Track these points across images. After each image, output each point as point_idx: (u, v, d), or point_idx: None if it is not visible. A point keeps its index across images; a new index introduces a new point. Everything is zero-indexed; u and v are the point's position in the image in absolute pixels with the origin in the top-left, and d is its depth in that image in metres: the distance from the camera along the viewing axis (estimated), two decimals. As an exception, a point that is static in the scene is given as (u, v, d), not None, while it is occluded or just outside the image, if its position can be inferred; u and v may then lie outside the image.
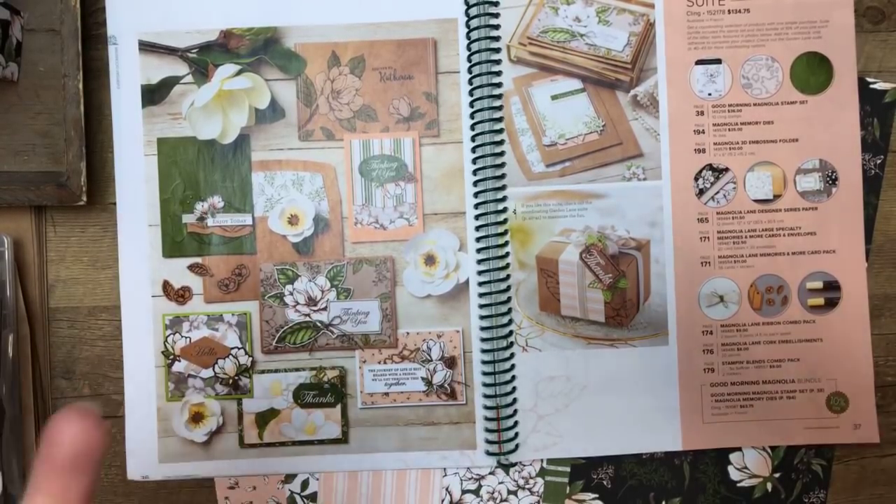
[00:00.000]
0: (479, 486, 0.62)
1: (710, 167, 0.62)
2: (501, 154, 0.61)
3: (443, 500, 0.62)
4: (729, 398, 0.61)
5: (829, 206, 0.62)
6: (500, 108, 0.61)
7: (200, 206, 0.61)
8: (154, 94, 0.61)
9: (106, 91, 0.61)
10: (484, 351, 0.61)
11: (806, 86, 0.62)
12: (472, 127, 0.61)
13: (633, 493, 0.62)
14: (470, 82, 0.61)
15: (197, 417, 0.61)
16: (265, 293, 0.61)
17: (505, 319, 0.61)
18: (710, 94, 0.61)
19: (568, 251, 0.61)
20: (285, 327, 0.61)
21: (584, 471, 0.62)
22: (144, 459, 0.61)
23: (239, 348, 0.61)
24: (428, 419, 0.61)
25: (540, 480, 0.62)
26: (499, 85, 0.61)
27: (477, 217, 0.61)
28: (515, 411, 0.61)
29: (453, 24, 0.61)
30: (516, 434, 0.61)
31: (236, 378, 0.61)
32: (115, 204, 0.61)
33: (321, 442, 0.61)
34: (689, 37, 0.61)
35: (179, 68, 0.61)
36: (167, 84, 0.61)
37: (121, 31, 0.61)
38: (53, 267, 0.62)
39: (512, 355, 0.61)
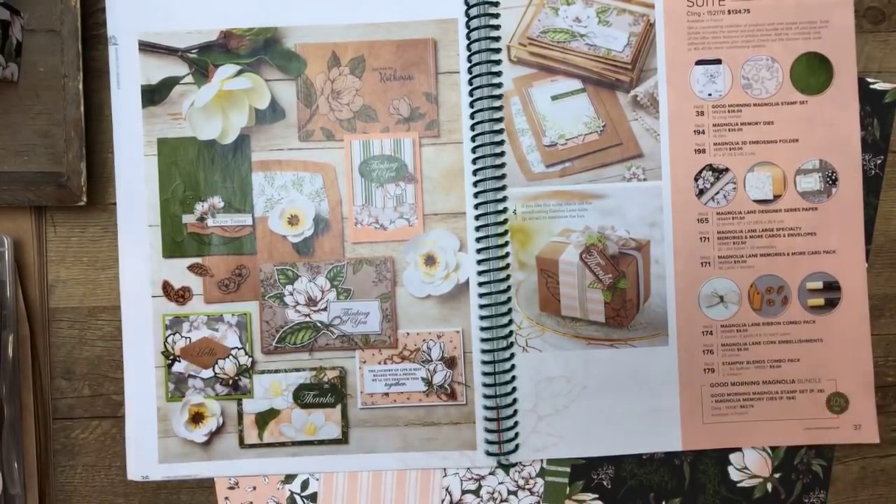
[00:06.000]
0: (480, 487, 0.62)
1: (710, 167, 0.62)
2: (501, 154, 0.61)
3: (443, 501, 0.62)
4: (729, 398, 0.61)
5: (829, 207, 0.62)
6: (500, 108, 0.61)
7: (200, 207, 0.61)
8: (154, 95, 0.61)
9: (106, 91, 0.61)
10: (484, 351, 0.61)
11: (806, 86, 0.62)
12: (472, 127, 0.61)
13: (633, 494, 0.62)
14: (470, 82, 0.61)
15: (197, 418, 0.61)
16: (265, 293, 0.61)
17: (505, 320, 0.61)
18: (710, 95, 0.61)
19: (568, 251, 0.61)
20: (285, 327, 0.61)
21: (584, 471, 0.62)
22: (144, 460, 0.61)
23: (239, 349, 0.61)
24: (428, 419, 0.61)
25: (540, 481, 0.62)
26: (499, 85, 0.61)
27: (477, 217, 0.61)
28: (515, 412, 0.61)
29: (453, 25, 0.61)
30: (516, 434, 0.61)
31: (236, 378, 0.61)
32: (115, 204, 0.61)
33: (321, 442, 0.61)
34: (689, 37, 0.61)
35: (179, 68, 0.61)
36: (167, 84, 0.61)
37: (121, 31, 0.61)
38: (53, 267, 0.62)
39: (512, 356, 0.61)
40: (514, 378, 0.61)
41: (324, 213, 0.61)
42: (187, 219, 0.61)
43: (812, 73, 0.61)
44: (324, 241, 0.61)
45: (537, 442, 0.61)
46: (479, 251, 0.61)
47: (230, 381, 0.61)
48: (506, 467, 0.62)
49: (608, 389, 0.61)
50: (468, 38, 0.61)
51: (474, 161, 0.61)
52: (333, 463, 0.61)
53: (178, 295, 0.61)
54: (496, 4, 0.61)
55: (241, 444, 0.61)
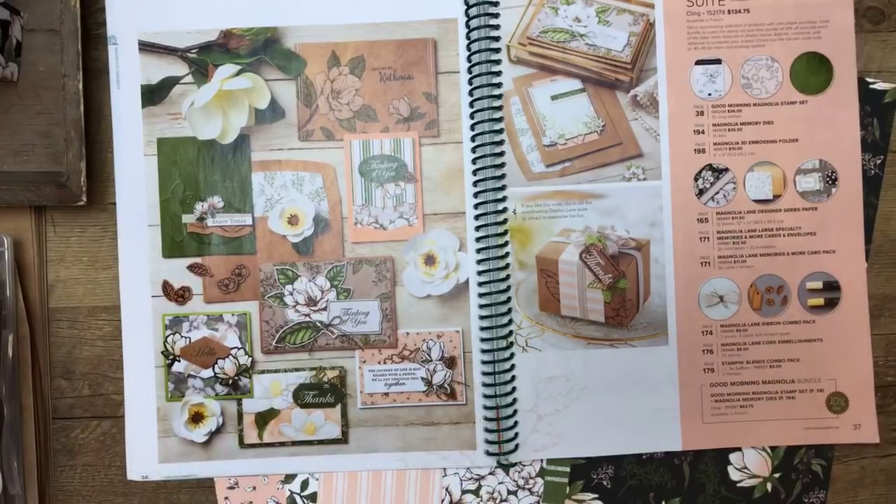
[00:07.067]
0: (479, 487, 0.62)
1: (710, 167, 0.62)
2: (501, 154, 0.61)
3: (443, 501, 0.62)
4: (729, 398, 0.61)
5: (828, 207, 0.62)
6: (499, 108, 0.61)
7: (200, 207, 0.61)
8: (154, 94, 0.61)
9: (106, 91, 0.61)
10: (484, 351, 0.61)
11: (806, 86, 0.62)
12: (472, 127, 0.61)
13: (633, 493, 0.62)
14: (470, 82, 0.61)
15: (197, 417, 0.61)
16: (265, 293, 0.61)
17: (505, 319, 0.61)
18: (709, 95, 0.61)
19: (568, 251, 0.61)
20: (285, 327, 0.61)
21: (584, 471, 0.62)
22: (144, 459, 0.61)
23: (239, 348, 0.61)
24: (428, 419, 0.61)
25: (540, 480, 0.62)
26: (499, 85, 0.61)
27: (477, 217, 0.61)
28: (515, 411, 0.61)
29: (453, 24, 0.61)
30: (516, 434, 0.61)
31: (236, 378, 0.61)
32: (114, 204, 0.61)
33: (321, 442, 0.61)
34: (688, 37, 0.61)
35: (179, 68, 0.61)
36: (167, 84, 0.61)
37: (121, 31, 0.61)
38: (53, 267, 0.62)
39: (512, 355, 0.61)
40: (513, 378, 0.61)
41: (324, 212, 0.61)
42: (187, 219, 0.61)
43: (812, 73, 0.61)
44: (324, 240, 0.61)
45: (537, 442, 0.61)
46: (478, 251, 0.61)
47: (230, 381, 0.61)
48: (506, 467, 0.62)
49: (608, 389, 0.61)
50: (468, 38, 0.61)
51: (474, 161, 0.61)
52: (333, 463, 0.61)
53: (178, 295, 0.61)
54: (496, 4, 0.61)
55: (241, 443, 0.61)
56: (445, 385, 0.61)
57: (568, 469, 0.62)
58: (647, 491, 0.62)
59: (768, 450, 0.62)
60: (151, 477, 0.61)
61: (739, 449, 0.62)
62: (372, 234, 0.61)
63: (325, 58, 0.61)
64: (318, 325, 0.61)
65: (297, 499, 0.61)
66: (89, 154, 0.60)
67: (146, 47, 0.61)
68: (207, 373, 0.61)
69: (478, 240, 0.61)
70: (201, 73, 0.61)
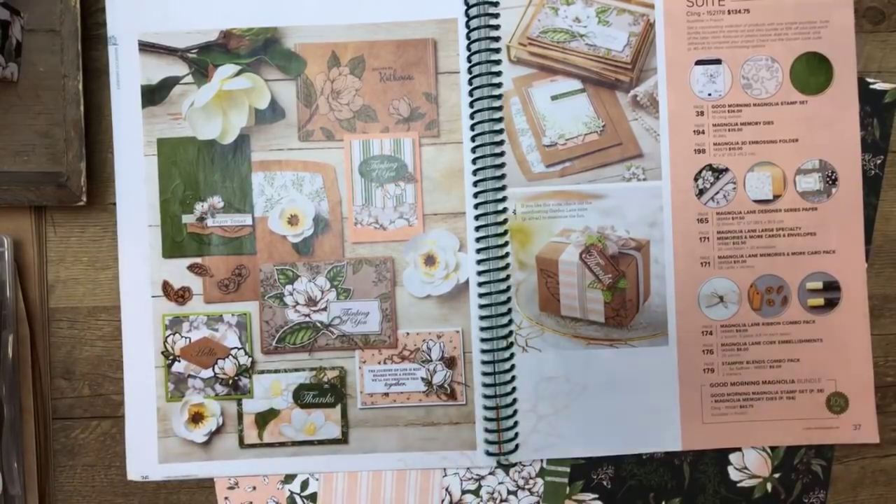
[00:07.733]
0: (479, 487, 0.62)
1: (710, 167, 0.62)
2: (501, 154, 0.61)
3: (443, 501, 0.62)
4: (729, 398, 0.61)
5: (828, 207, 0.62)
6: (499, 108, 0.61)
7: (200, 207, 0.61)
8: (154, 95, 0.61)
9: (106, 91, 0.61)
10: (484, 351, 0.61)
11: (806, 86, 0.62)
12: (472, 127, 0.61)
13: (633, 494, 0.62)
14: (470, 82, 0.61)
15: (197, 418, 0.61)
16: (265, 293, 0.61)
17: (505, 320, 0.61)
18: (709, 95, 0.61)
19: (568, 251, 0.61)
20: (285, 328, 0.61)
21: (584, 471, 0.62)
22: (144, 460, 0.61)
23: (239, 349, 0.61)
24: (428, 419, 0.61)
25: (540, 481, 0.62)
26: (499, 85, 0.61)
27: (477, 217, 0.61)
28: (515, 412, 0.61)
29: (453, 25, 0.61)
30: (516, 434, 0.61)
31: (236, 378, 0.61)
32: (114, 204, 0.61)
33: (321, 442, 0.61)
34: (688, 37, 0.61)
35: (179, 68, 0.61)
36: (167, 84, 0.61)
37: (121, 31, 0.61)
38: (53, 267, 0.62)
39: (512, 355, 0.61)
40: (513, 378, 0.61)
41: (324, 213, 0.61)
42: (187, 219, 0.61)
43: (812, 73, 0.61)
44: (324, 241, 0.61)
45: (537, 442, 0.61)
46: (478, 251, 0.61)
47: (230, 381, 0.61)
48: (505, 467, 0.62)
49: (608, 389, 0.61)
50: (468, 38, 0.61)
51: (474, 161, 0.61)
52: (333, 463, 0.61)
53: (178, 295, 0.61)
54: (496, 4, 0.61)
55: (241, 444, 0.61)
56: (445, 385, 0.61)
57: (568, 469, 0.62)
58: (647, 491, 0.62)
59: (768, 450, 0.62)
60: (151, 477, 0.61)
61: (739, 449, 0.62)
62: (372, 235, 0.61)
63: (325, 58, 0.61)
64: (318, 325, 0.61)
65: (297, 499, 0.61)
66: (89, 154, 0.60)
67: (146, 47, 0.61)
68: (207, 373, 0.61)
69: (478, 240, 0.61)
70: (201, 73, 0.61)
